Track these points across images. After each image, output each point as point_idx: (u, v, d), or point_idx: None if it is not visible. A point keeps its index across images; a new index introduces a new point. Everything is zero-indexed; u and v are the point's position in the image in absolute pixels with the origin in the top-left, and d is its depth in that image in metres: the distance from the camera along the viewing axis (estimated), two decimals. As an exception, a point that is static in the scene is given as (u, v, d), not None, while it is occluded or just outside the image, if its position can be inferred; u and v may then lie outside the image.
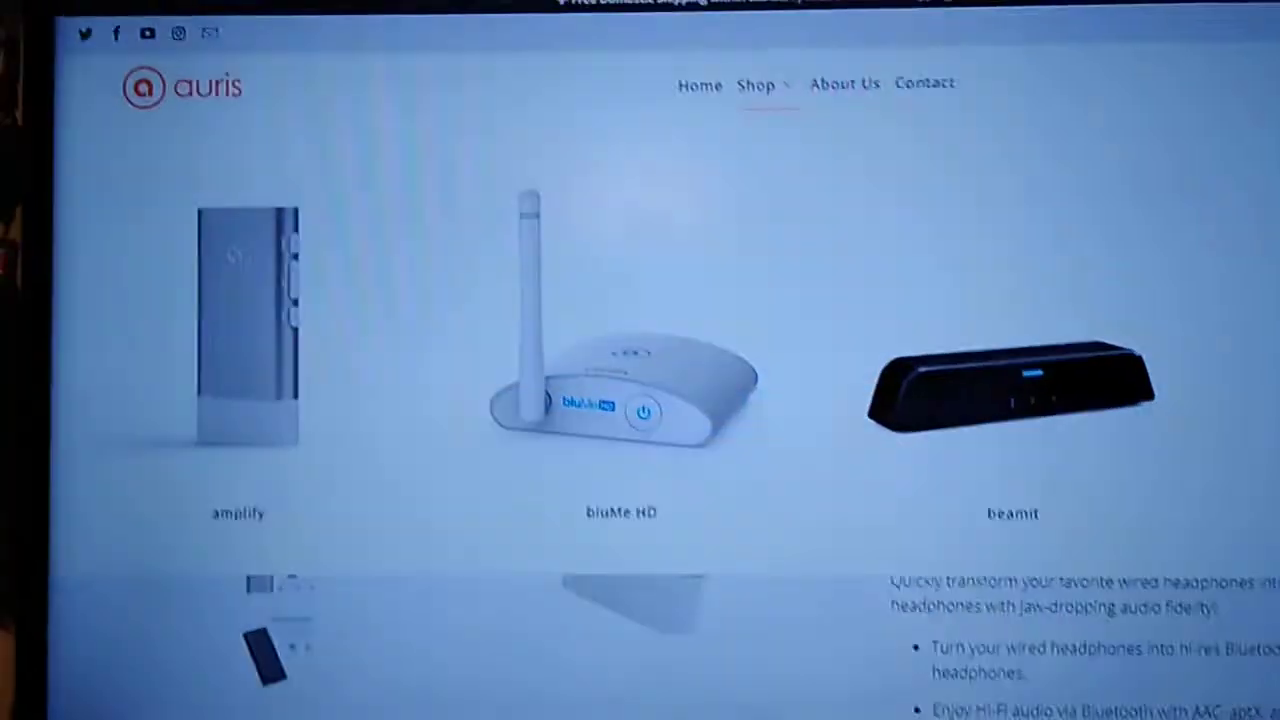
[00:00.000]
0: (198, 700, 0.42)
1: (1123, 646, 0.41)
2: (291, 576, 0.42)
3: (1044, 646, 0.41)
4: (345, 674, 0.42)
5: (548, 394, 0.43)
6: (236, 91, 0.43)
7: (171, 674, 0.42)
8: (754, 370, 0.42)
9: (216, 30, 0.43)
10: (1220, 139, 0.42)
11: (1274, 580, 0.41)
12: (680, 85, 0.42)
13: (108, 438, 0.43)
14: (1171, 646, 0.41)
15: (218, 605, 0.42)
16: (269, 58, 0.43)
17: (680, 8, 0.43)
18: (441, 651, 0.42)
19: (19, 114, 0.43)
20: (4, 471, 0.43)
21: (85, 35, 0.43)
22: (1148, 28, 0.42)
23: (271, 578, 0.42)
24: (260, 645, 0.42)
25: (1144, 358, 0.41)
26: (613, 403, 0.43)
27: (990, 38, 0.42)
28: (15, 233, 0.43)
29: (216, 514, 0.42)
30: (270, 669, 0.42)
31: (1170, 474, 0.41)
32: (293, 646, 0.42)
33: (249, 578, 0.42)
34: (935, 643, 0.41)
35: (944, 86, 0.42)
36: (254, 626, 0.42)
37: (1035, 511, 0.41)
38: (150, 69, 0.43)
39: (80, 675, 0.42)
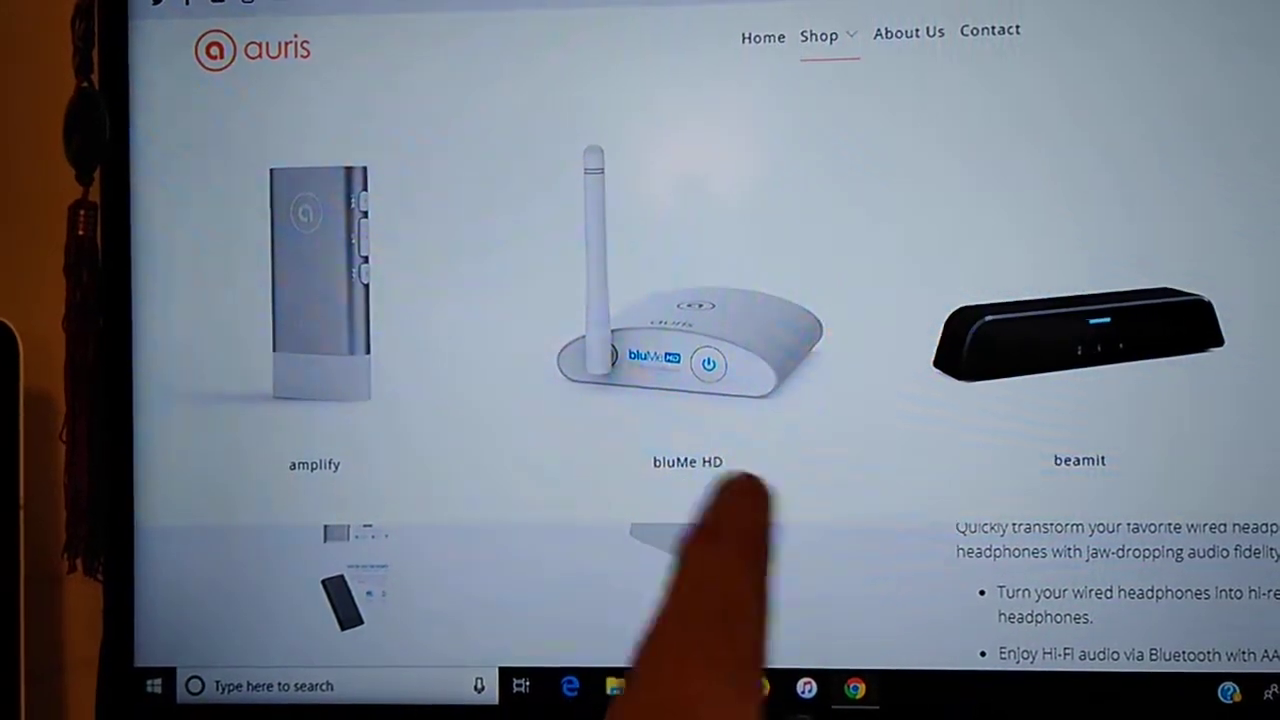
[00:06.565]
0: (280, 644, 0.43)
1: (1190, 591, 0.41)
2: (367, 526, 0.43)
3: (1111, 591, 0.41)
4: (420, 620, 0.43)
5: (614, 347, 0.44)
6: (305, 53, 0.44)
7: (254, 618, 0.44)
8: (819, 321, 0.42)
9: (285, -8, 0.44)
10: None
11: (1343, 526, 0.41)
12: (744, 37, 0.42)
13: (187, 392, 0.44)
14: (1239, 591, 0.41)
15: (296, 553, 0.43)
16: (336, 20, 0.44)
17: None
18: (512, 598, 0.43)
19: (95, 78, 0.44)
20: (90, 425, 0.45)
21: (157, 0, 0.44)
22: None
23: (348, 527, 0.43)
24: (338, 592, 0.43)
25: (1213, 304, 0.41)
26: (678, 355, 0.44)
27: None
28: (95, 194, 0.44)
29: (293, 465, 0.44)
30: (348, 614, 0.43)
31: (1238, 419, 0.41)
32: (369, 593, 0.43)
33: (326, 527, 0.43)
34: (1001, 588, 0.41)
35: (1009, 33, 0.41)
36: (332, 574, 0.43)
37: (1102, 458, 0.41)
38: (221, 32, 0.44)
39: (165, 620, 0.44)
